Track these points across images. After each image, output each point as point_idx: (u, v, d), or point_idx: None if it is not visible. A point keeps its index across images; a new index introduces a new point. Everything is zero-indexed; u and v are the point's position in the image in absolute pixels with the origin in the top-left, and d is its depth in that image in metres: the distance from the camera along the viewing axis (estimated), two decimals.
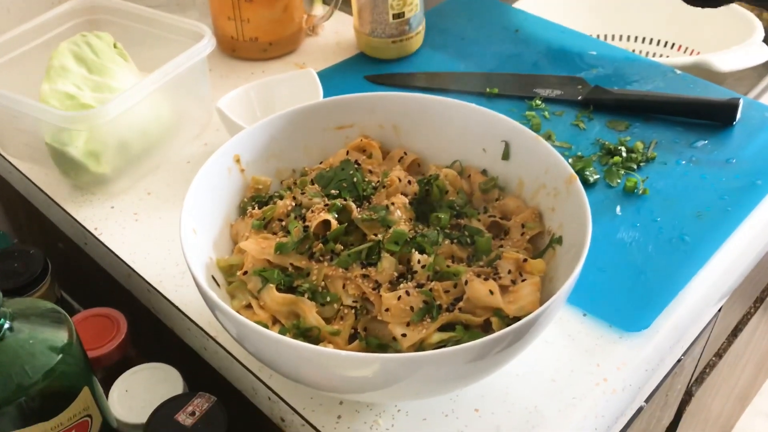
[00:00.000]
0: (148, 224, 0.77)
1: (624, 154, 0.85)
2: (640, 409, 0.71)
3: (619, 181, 0.82)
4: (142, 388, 0.68)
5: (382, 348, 0.56)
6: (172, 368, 0.69)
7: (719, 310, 0.84)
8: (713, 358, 1.01)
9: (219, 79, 0.99)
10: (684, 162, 0.85)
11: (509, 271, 0.59)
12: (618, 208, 0.79)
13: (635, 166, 0.84)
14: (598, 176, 0.83)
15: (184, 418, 0.62)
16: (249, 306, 0.59)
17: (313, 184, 0.65)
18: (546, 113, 0.92)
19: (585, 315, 0.68)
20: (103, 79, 0.83)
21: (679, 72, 0.99)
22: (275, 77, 0.86)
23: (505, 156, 0.67)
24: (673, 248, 0.74)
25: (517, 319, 0.56)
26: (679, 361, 0.74)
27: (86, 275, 0.86)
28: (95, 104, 0.78)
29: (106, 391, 0.67)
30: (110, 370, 0.70)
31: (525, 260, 0.60)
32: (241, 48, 1.01)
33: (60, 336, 0.55)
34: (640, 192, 0.80)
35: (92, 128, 0.77)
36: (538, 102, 0.94)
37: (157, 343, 0.78)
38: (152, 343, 0.77)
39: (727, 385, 1.23)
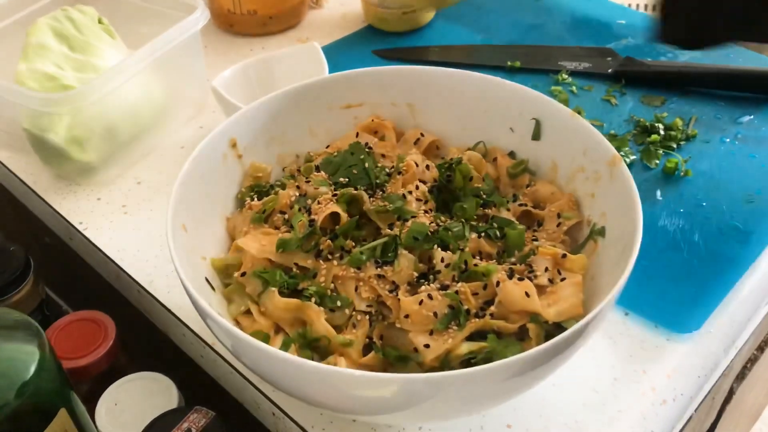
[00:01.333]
0: (138, 217, 0.70)
1: (662, 132, 0.77)
2: (689, 419, 0.64)
3: (657, 162, 0.74)
4: (132, 401, 0.61)
5: (402, 360, 0.49)
6: (166, 378, 0.62)
7: None
8: (755, 352, 0.94)
9: (215, 56, 0.92)
10: (729, 140, 0.77)
11: (546, 269, 0.52)
12: (658, 193, 0.71)
13: (675, 145, 0.76)
14: (634, 157, 0.75)
15: None
16: (249, 312, 0.52)
17: (318, 171, 0.59)
18: (574, 88, 0.85)
19: (627, 314, 0.60)
20: (86, 58, 0.76)
21: None
22: (276, 53, 0.78)
23: (536, 135, 0.60)
24: (723, 236, 0.66)
25: (557, 324, 0.49)
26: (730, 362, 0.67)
27: (74, 273, 0.79)
28: (78, 85, 0.71)
29: (93, 405, 0.60)
30: (97, 381, 0.63)
31: (564, 255, 0.52)
32: (239, 22, 0.94)
33: (30, 351, 0.48)
34: (682, 174, 0.73)
35: (74, 111, 0.70)
36: (565, 76, 0.86)
37: (151, 350, 0.71)
38: (145, 350, 0.70)
39: (763, 378, 1.16)
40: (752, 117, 0.79)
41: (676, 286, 0.62)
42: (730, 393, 0.89)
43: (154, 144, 0.78)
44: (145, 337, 0.70)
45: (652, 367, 0.57)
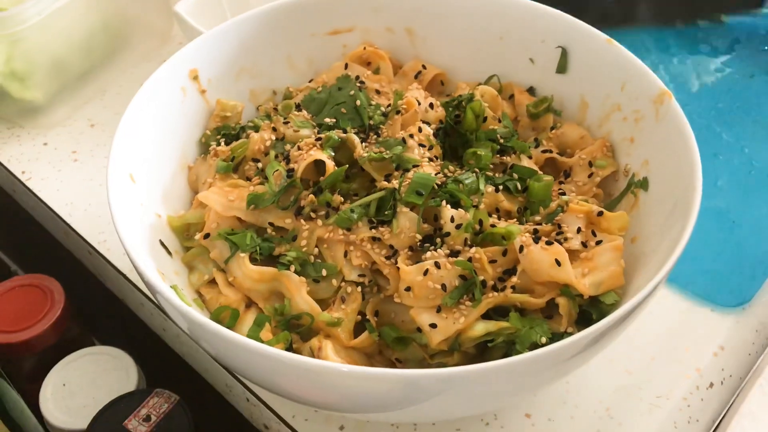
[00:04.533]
0: (90, 165, 0.63)
1: None
2: (732, 402, 0.56)
3: None
4: (84, 381, 0.53)
5: (402, 342, 0.41)
6: (124, 354, 0.55)
7: None
8: None
9: None
10: None
11: (578, 230, 0.42)
12: None
13: None
14: None
15: (136, 425, 0.49)
16: (214, 282, 0.44)
17: (300, 109, 0.51)
18: None
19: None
20: None
21: None
22: None
23: (562, 68, 0.52)
24: None
25: (592, 299, 0.40)
26: None
27: (24, 230, 0.69)
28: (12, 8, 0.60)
29: (38, 385, 0.52)
30: (43, 357, 0.56)
31: (600, 213, 0.43)
32: None
33: None
34: None
35: (11, 40, 0.60)
36: None
37: (108, 321, 0.62)
38: (101, 321, 0.62)
39: None
40: None
41: (720, 249, 0.54)
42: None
43: (111, 80, 0.70)
44: (100, 305, 0.61)
45: (697, 344, 0.49)
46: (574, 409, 0.46)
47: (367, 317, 0.42)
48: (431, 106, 0.50)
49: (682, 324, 0.50)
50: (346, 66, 0.53)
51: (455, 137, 0.49)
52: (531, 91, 0.54)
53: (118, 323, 0.61)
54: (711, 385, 0.47)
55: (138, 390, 0.52)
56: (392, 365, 0.41)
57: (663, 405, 0.46)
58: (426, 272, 0.40)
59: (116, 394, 0.50)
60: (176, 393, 0.49)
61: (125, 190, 0.42)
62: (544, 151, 0.49)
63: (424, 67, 0.55)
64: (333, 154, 0.45)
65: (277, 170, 0.43)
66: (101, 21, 0.67)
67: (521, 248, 0.40)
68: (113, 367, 0.54)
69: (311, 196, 0.43)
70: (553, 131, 0.51)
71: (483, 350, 0.40)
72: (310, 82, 0.55)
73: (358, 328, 0.42)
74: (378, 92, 0.52)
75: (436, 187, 0.43)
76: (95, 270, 0.59)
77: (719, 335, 0.49)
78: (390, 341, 0.40)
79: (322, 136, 0.45)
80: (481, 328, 0.39)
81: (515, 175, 0.46)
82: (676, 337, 0.49)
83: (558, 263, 0.40)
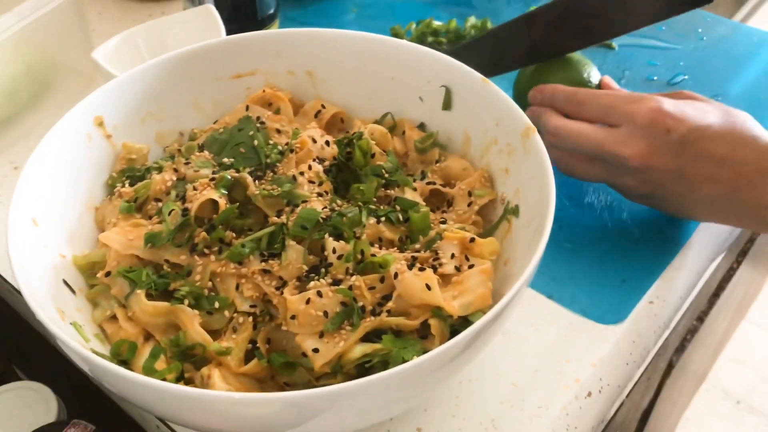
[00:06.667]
0: None
1: None
2: (620, 407, 0.60)
3: None
4: (5, 417, 0.54)
5: (290, 367, 0.43)
6: (44, 387, 0.56)
7: None
8: (695, 323, 0.91)
9: (110, 23, 0.83)
10: None
11: (453, 255, 0.46)
12: None
13: None
14: None
15: None
16: (115, 317, 0.45)
17: (202, 150, 0.52)
18: None
19: (551, 297, 0.55)
20: None
21: None
22: (165, 18, 0.70)
23: (447, 105, 0.55)
24: (653, 214, 0.60)
25: (463, 319, 0.43)
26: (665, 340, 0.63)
27: None
28: None
29: None
30: None
31: (472, 240, 0.46)
32: None
33: None
34: None
35: None
36: None
37: (33, 356, 0.64)
38: (27, 356, 0.63)
39: (706, 343, 1.13)
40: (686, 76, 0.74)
41: (603, 271, 0.56)
42: (669, 367, 0.86)
43: (36, 122, 0.70)
44: (25, 341, 0.62)
45: (577, 356, 0.52)
46: (462, 422, 0.49)
47: (258, 345, 0.44)
48: (327, 143, 0.53)
49: (565, 338, 0.53)
50: (248, 108, 0.56)
51: (347, 173, 0.52)
52: (422, 126, 0.56)
53: (44, 357, 0.62)
54: (589, 394, 0.51)
55: (56, 422, 0.53)
56: (282, 389, 0.44)
57: (543, 415, 0.49)
58: (308, 301, 0.42)
59: (35, 427, 0.52)
60: (95, 423, 0.50)
61: (27, 234, 0.44)
62: (429, 183, 0.52)
63: (323, 106, 0.57)
64: (226, 192, 0.47)
65: (173, 210, 0.46)
66: (25, 66, 0.68)
67: (396, 275, 0.44)
68: (34, 401, 0.55)
69: (204, 233, 0.45)
70: (438, 164, 0.54)
71: (364, 371, 0.43)
72: (214, 123, 0.56)
73: (250, 356, 0.44)
74: (278, 131, 0.54)
75: (321, 220, 0.46)
76: (17, 307, 0.60)
77: (598, 348, 0.53)
78: (278, 366, 0.43)
79: (217, 176, 0.48)
80: (359, 350, 0.42)
81: (397, 207, 0.49)
82: (559, 350, 0.52)
83: (428, 287, 0.43)
